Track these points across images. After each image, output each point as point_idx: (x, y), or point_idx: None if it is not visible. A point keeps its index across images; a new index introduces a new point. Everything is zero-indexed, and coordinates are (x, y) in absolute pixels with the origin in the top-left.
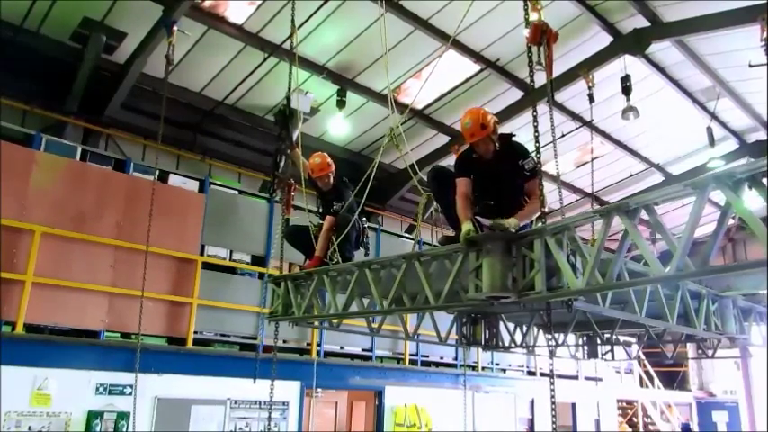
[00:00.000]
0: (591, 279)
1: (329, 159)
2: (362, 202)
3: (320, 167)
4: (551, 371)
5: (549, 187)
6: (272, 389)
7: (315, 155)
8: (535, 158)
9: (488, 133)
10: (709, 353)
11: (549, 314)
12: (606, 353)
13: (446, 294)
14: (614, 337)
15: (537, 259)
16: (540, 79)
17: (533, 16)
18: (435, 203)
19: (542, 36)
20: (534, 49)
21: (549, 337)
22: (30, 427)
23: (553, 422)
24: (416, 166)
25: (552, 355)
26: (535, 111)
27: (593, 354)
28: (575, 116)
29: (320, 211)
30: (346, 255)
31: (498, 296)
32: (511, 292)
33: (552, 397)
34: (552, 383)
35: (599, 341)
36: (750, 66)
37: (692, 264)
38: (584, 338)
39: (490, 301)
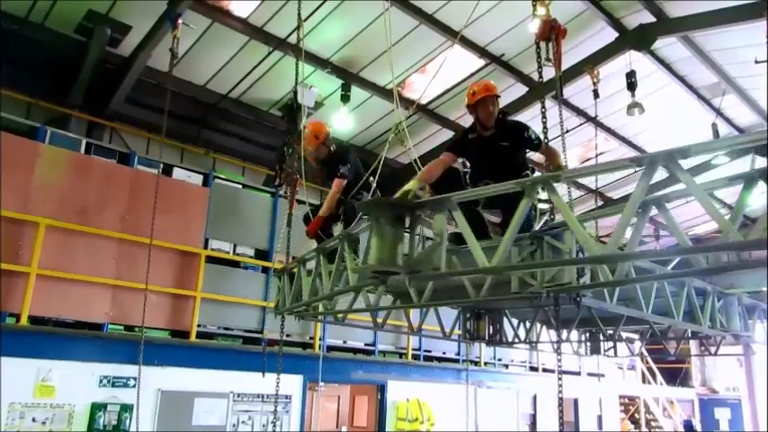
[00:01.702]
0: (507, 258)
1: (319, 129)
2: (370, 176)
3: (308, 141)
4: (558, 367)
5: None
6: (277, 383)
7: (307, 125)
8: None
9: (497, 93)
10: (713, 350)
11: (557, 310)
12: (609, 349)
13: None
14: (617, 333)
15: (437, 232)
16: (547, 75)
17: (541, 11)
18: None
19: (551, 32)
20: (543, 44)
21: (554, 333)
22: (33, 419)
23: (560, 417)
24: (420, 162)
25: (558, 352)
26: (544, 107)
27: (595, 350)
28: (579, 112)
29: (326, 177)
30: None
31: (385, 271)
32: (401, 267)
33: (560, 393)
34: (560, 380)
35: (602, 337)
36: (756, 62)
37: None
38: (587, 335)
39: (376, 276)
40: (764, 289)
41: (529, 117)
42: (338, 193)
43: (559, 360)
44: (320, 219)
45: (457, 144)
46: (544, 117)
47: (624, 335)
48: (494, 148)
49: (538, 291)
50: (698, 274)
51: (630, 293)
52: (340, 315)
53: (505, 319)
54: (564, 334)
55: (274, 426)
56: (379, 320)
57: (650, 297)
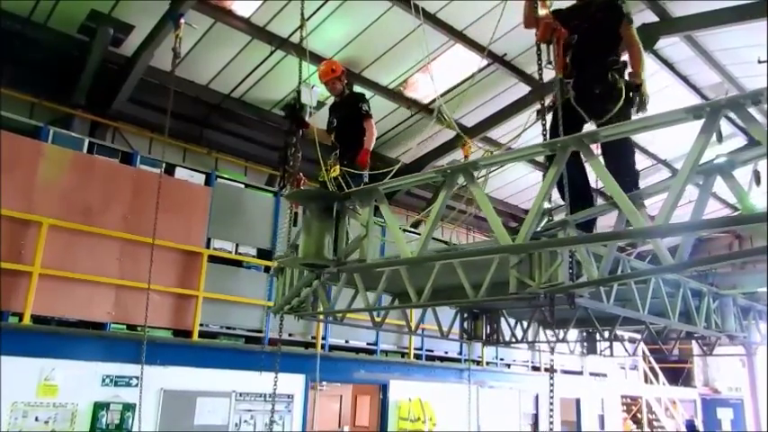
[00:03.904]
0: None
1: (335, 65)
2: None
3: (324, 73)
4: (551, 366)
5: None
6: (275, 382)
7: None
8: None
9: None
10: (715, 350)
11: (552, 311)
12: (605, 349)
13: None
14: (614, 333)
15: (366, 223)
16: (548, 76)
17: (542, 12)
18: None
19: (552, 34)
20: (543, 46)
21: (551, 333)
22: (36, 418)
23: (550, 416)
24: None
25: (553, 350)
26: (543, 107)
27: (592, 350)
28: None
29: (333, 126)
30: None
31: (314, 264)
32: (328, 260)
33: (551, 393)
34: (552, 380)
35: (599, 337)
36: (759, 62)
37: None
38: (584, 335)
39: (311, 269)
40: (763, 290)
41: (531, 117)
42: (375, 132)
43: (552, 360)
44: (368, 151)
45: (562, 12)
46: (544, 118)
47: (626, 335)
48: (594, 22)
49: (535, 291)
50: (675, 270)
51: (627, 294)
52: (339, 315)
53: (503, 319)
54: (561, 334)
55: (271, 426)
56: (378, 320)
57: (646, 297)
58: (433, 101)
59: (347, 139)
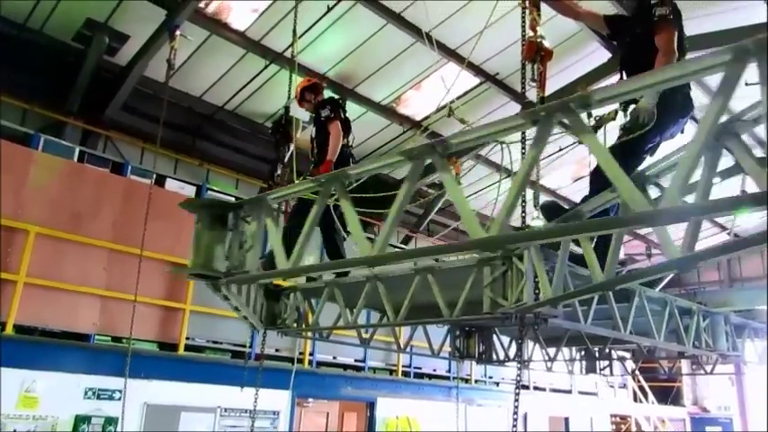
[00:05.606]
0: (297, 261)
1: (301, 84)
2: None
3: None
4: (517, 381)
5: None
6: (256, 398)
7: None
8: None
9: None
10: (708, 368)
11: (521, 330)
12: (605, 368)
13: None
14: (605, 351)
15: (252, 234)
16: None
17: (531, 33)
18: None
19: (537, 53)
20: (528, 65)
21: (546, 351)
22: (15, 430)
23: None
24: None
25: (520, 366)
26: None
27: (591, 369)
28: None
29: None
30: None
31: (204, 275)
32: (217, 271)
33: (515, 412)
34: (517, 395)
35: (597, 355)
36: (746, 84)
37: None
38: (582, 353)
39: (197, 279)
40: (759, 307)
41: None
42: (339, 136)
43: (518, 375)
44: (331, 162)
45: (614, 21)
46: (524, 137)
47: (615, 353)
48: (636, 32)
49: (506, 311)
50: (604, 288)
51: (609, 313)
52: (325, 332)
53: (495, 338)
54: (553, 352)
55: None
56: (366, 336)
57: (628, 316)
58: (425, 118)
59: (318, 150)
